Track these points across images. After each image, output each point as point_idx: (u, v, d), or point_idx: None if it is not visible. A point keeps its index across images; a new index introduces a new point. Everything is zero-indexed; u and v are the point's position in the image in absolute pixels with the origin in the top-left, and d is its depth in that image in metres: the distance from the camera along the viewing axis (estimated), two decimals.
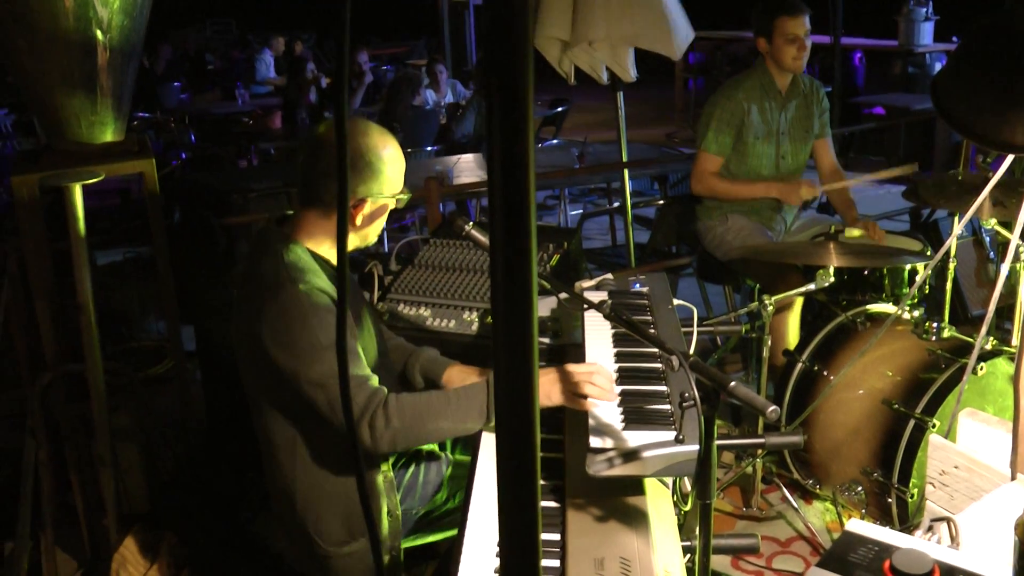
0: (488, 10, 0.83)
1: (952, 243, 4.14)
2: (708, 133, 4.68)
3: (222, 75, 15.05)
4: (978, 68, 1.53)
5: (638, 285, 3.22)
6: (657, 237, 5.68)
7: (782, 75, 4.67)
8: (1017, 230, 1.98)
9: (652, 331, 2.80)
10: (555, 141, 9.38)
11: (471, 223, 2.75)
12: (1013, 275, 3.70)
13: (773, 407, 1.80)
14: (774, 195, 4.69)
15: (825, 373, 3.88)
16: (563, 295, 2.74)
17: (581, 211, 8.64)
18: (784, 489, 4.10)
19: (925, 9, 10.23)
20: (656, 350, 2.31)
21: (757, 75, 4.71)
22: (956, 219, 4.11)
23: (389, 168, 2.53)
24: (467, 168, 7.15)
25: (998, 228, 4.10)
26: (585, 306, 2.68)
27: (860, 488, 3.68)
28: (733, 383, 1.84)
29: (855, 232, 4.45)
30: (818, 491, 3.96)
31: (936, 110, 1.58)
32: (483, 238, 2.72)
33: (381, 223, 2.65)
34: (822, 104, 4.86)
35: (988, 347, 3.55)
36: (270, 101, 12.15)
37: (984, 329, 2.29)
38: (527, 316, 0.87)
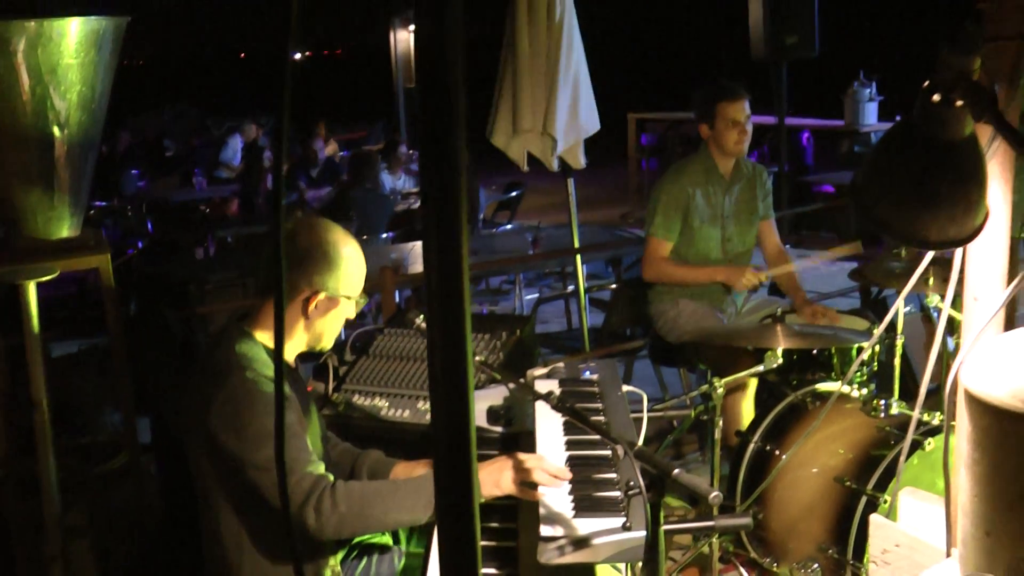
0: (422, 100, 0.88)
1: (899, 320, 4.23)
2: (656, 219, 4.78)
3: (181, 161, 15.12)
4: (893, 169, 1.62)
5: (588, 372, 3.26)
6: (611, 320, 5.75)
7: (725, 159, 4.79)
8: (947, 304, 2.06)
9: (602, 418, 2.86)
10: (509, 226, 9.47)
11: (423, 315, 2.79)
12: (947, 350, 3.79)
13: (715, 493, 1.85)
14: (720, 280, 4.79)
15: (777, 452, 3.93)
16: (512, 384, 2.78)
17: (537, 295, 8.72)
18: (741, 568, 4.12)
19: (869, 90, 10.51)
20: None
21: (701, 160, 4.83)
22: (901, 296, 4.20)
23: (347, 265, 2.57)
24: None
25: (940, 304, 4.21)
26: (531, 397, 2.72)
27: (816, 565, 3.71)
28: (677, 471, 1.89)
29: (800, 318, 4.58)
30: (775, 569, 3.98)
31: (855, 208, 1.66)
32: None
33: (336, 325, 2.67)
34: (765, 187, 4.98)
35: (936, 422, 3.61)
36: (228, 188, 12.21)
37: (919, 405, 2.35)
38: (463, 404, 0.92)
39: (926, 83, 1.50)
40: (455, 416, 0.94)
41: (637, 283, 5.24)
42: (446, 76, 0.87)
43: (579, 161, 5.37)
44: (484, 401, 3.14)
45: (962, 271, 1.95)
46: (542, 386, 3.06)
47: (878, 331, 2.62)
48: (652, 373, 5.62)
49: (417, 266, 6.76)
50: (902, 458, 2.84)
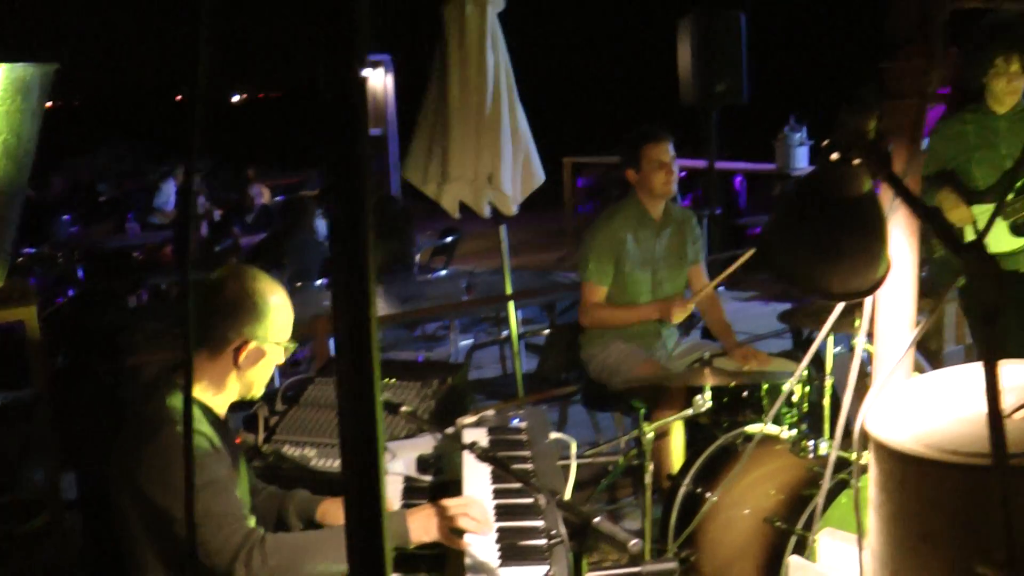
0: (329, 160, 0.90)
1: (827, 361, 4.30)
2: (588, 265, 4.84)
3: (114, 206, 14.95)
4: (798, 224, 1.68)
5: (517, 420, 3.29)
6: (546, 365, 5.78)
7: (655, 203, 4.86)
8: (859, 346, 2.11)
9: (529, 466, 2.89)
10: (444, 272, 9.49)
11: None
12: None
13: (635, 541, 1.88)
14: (655, 316, 4.85)
15: (708, 495, 3.97)
16: (437, 434, 2.80)
17: (472, 341, 8.73)
18: None
19: (799, 134, 10.70)
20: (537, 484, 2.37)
21: (631, 205, 4.91)
22: (830, 338, 4.28)
23: (275, 314, 2.58)
24: None
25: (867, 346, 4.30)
26: (456, 446, 2.74)
27: None
28: (597, 519, 1.91)
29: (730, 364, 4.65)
30: None
31: (763, 262, 1.71)
32: None
33: (266, 372, 2.67)
34: (694, 232, 5.06)
35: (864, 461, 3.68)
36: (163, 234, 12.10)
37: (835, 445, 2.40)
38: (372, 454, 0.93)
39: (825, 142, 1.56)
40: (364, 465, 0.96)
41: (571, 328, 5.29)
42: (350, 127, 0.90)
43: (511, 208, 5.42)
44: (414, 450, 3.15)
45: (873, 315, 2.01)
46: (471, 435, 3.08)
47: (797, 372, 2.68)
48: (588, 417, 5.65)
49: None
50: (820, 498, 2.89)
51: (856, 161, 1.53)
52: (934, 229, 1.29)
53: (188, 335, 1.05)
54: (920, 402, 1.79)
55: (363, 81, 0.90)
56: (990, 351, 1.26)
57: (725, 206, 10.70)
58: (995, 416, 1.27)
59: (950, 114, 5.10)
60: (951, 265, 4.96)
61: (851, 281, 1.66)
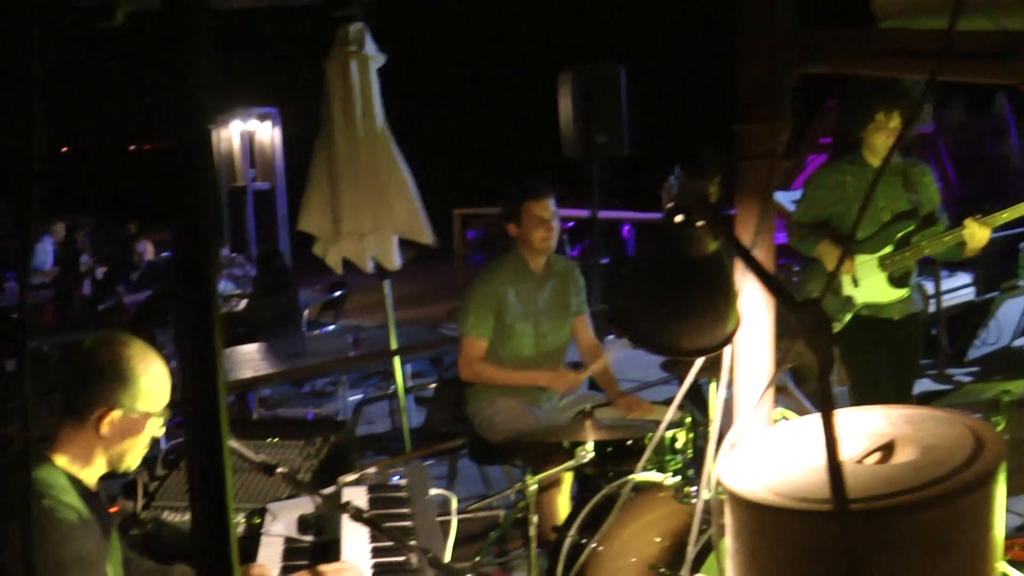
0: (173, 215, 0.91)
1: (711, 407, 4.38)
2: (468, 319, 4.87)
3: None
4: (648, 285, 1.74)
5: (397, 477, 3.29)
6: (434, 419, 5.79)
7: (535, 257, 4.91)
8: (720, 392, 2.18)
9: (409, 523, 2.90)
10: (332, 327, 9.43)
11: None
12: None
13: None
14: (542, 384, 4.89)
15: (594, 545, 4.00)
16: (313, 495, 2.79)
17: (362, 396, 8.68)
18: None
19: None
20: (412, 542, 2.38)
21: (512, 259, 4.95)
22: (713, 384, 4.36)
23: (145, 382, 2.51)
24: (246, 360, 7.05)
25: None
26: (330, 507, 2.73)
27: None
28: None
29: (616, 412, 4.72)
30: None
31: (617, 323, 1.77)
32: (237, 446, 2.75)
33: (139, 443, 2.59)
34: (578, 283, 5.12)
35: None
36: (43, 294, 11.77)
37: (702, 490, 2.45)
38: (222, 518, 0.94)
39: (669, 205, 1.63)
40: (214, 529, 0.96)
41: (457, 381, 5.29)
42: (193, 181, 0.91)
43: (393, 263, 5.43)
44: (296, 510, 3.13)
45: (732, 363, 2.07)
46: (351, 493, 3.07)
47: (666, 419, 2.73)
48: (478, 470, 5.66)
49: (241, 371, 6.64)
50: (691, 545, 2.94)
51: (699, 223, 1.60)
52: (769, 289, 1.36)
53: (23, 406, 1.05)
54: (775, 450, 1.86)
55: (207, 136, 0.92)
56: (825, 403, 1.32)
57: (613, 255, 10.86)
58: (834, 465, 1.33)
59: (830, 163, 5.26)
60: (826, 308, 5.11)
61: (700, 338, 1.72)
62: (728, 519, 1.72)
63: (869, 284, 4.95)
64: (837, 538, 1.37)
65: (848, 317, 5.00)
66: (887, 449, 1.85)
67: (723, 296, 1.70)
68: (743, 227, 1.98)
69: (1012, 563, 4.79)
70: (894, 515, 1.57)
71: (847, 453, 1.84)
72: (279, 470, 2.85)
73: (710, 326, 1.71)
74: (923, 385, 8.54)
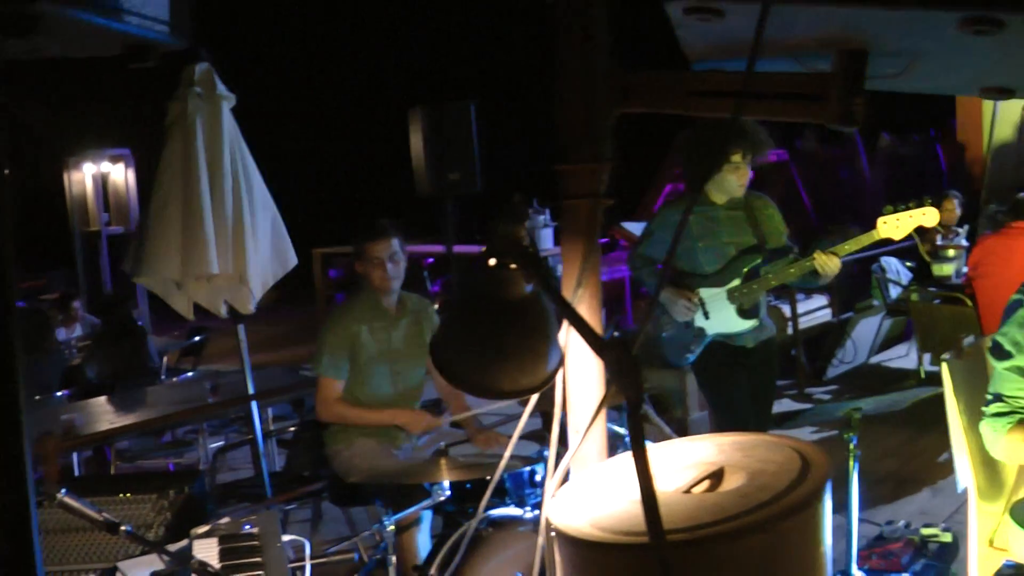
0: None
1: (573, 443, 4.43)
2: (323, 359, 4.83)
3: None
4: (466, 328, 1.76)
5: (249, 526, 3.24)
6: (295, 463, 5.70)
7: (386, 295, 4.90)
8: (555, 426, 2.20)
9: (259, 573, 2.85)
10: (191, 374, 9.20)
11: (63, 493, 2.70)
12: None
13: None
14: (399, 423, 4.87)
15: None
16: (161, 552, 2.73)
17: (223, 442, 8.49)
18: None
19: (544, 216, 11.02)
20: None
21: (364, 298, 4.94)
22: (525, 415, 4.42)
23: None
24: (100, 412, 6.81)
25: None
26: (170, 563, 2.68)
27: None
28: None
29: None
30: None
31: (435, 365, 1.78)
32: (78, 506, 2.68)
33: None
34: (432, 320, 5.12)
35: None
36: None
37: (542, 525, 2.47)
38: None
39: (483, 249, 1.65)
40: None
41: (317, 423, 5.24)
42: None
43: (248, 307, 5.35)
44: (149, 567, 3.05)
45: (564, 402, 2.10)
46: (202, 546, 3.02)
47: (505, 455, 2.74)
48: (342, 513, 5.59)
49: (95, 424, 6.40)
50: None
51: (513, 266, 1.63)
52: (578, 331, 1.39)
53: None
54: (604, 485, 1.89)
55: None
56: (636, 439, 1.35)
57: None
58: (649, 497, 1.36)
59: (674, 202, 5.40)
60: (678, 340, 5.22)
61: (520, 379, 1.74)
62: (556, 555, 1.74)
63: (719, 316, 5.09)
64: (657, 570, 1.40)
65: (701, 349, 5.14)
66: (717, 477, 1.90)
67: (542, 337, 1.73)
68: (569, 266, 2.02)
69: (871, 572, 4.97)
70: (717, 543, 1.61)
71: (677, 483, 1.88)
72: (122, 528, 2.79)
73: (530, 367, 1.74)
74: (784, 405, 8.81)
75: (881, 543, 5.27)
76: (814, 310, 10.19)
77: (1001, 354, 3.10)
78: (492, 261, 1.60)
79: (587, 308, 2.03)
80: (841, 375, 9.88)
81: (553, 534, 1.78)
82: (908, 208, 4.76)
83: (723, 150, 4.86)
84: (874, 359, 10.46)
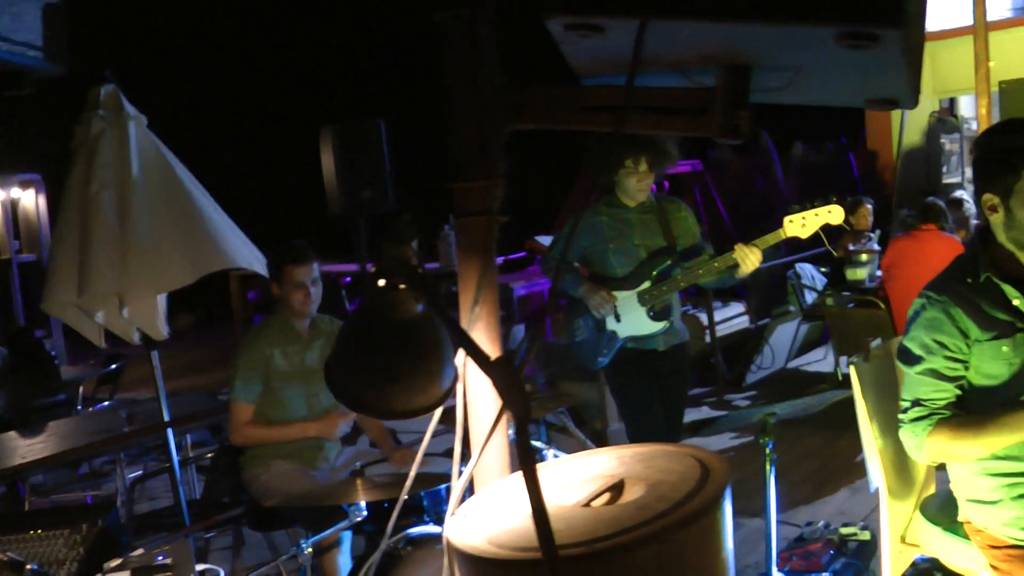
0: None
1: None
2: (236, 383, 4.78)
3: None
4: (358, 349, 1.75)
5: (162, 557, 3.19)
6: (213, 489, 5.62)
7: (299, 318, 4.87)
8: (457, 445, 2.20)
9: None
10: (107, 403, 9.03)
11: None
12: None
13: None
14: (312, 434, 4.83)
15: None
16: None
17: (141, 471, 8.34)
18: None
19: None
20: None
21: (277, 320, 4.90)
22: (428, 433, 4.41)
23: None
24: (12, 446, 6.62)
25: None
26: None
27: None
28: None
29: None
30: None
31: (329, 388, 1.77)
32: None
33: None
34: None
35: None
36: None
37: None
38: None
39: (373, 270, 1.65)
40: None
41: (233, 449, 5.17)
42: None
43: (160, 332, 5.27)
44: None
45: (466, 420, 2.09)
46: None
47: (411, 475, 2.73)
48: (264, 538, 5.52)
49: (7, 459, 6.24)
50: None
51: (401, 286, 1.62)
52: (462, 347, 1.39)
53: None
54: (505, 501, 1.89)
55: None
56: (524, 456, 1.35)
57: None
58: (539, 512, 1.36)
59: (589, 206, 5.44)
60: (590, 344, 5.25)
61: (414, 399, 1.74)
62: (456, 573, 1.74)
63: (630, 319, 5.12)
64: None
65: (613, 352, 5.16)
66: (617, 489, 1.91)
67: (435, 356, 1.73)
68: (465, 284, 2.02)
69: (791, 573, 5.04)
70: (613, 555, 1.61)
71: (576, 497, 1.89)
72: (28, 567, 2.73)
73: (424, 386, 1.73)
74: (703, 412, 8.91)
75: (801, 544, 5.35)
76: (731, 317, 10.34)
77: (911, 359, 3.15)
78: (381, 282, 1.60)
79: (484, 325, 2.03)
80: (760, 380, 10.03)
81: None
82: (814, 207, 4.84)
83: (619, 157, 4.96)
84: (792, 363, 10.64)
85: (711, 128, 1.85)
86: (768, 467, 4.28)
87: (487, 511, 1.86)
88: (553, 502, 1.87)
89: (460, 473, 2.00)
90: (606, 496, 1.87)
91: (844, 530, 5.54)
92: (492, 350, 2.03)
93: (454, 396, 1.93)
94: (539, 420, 5.89)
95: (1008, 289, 3.03)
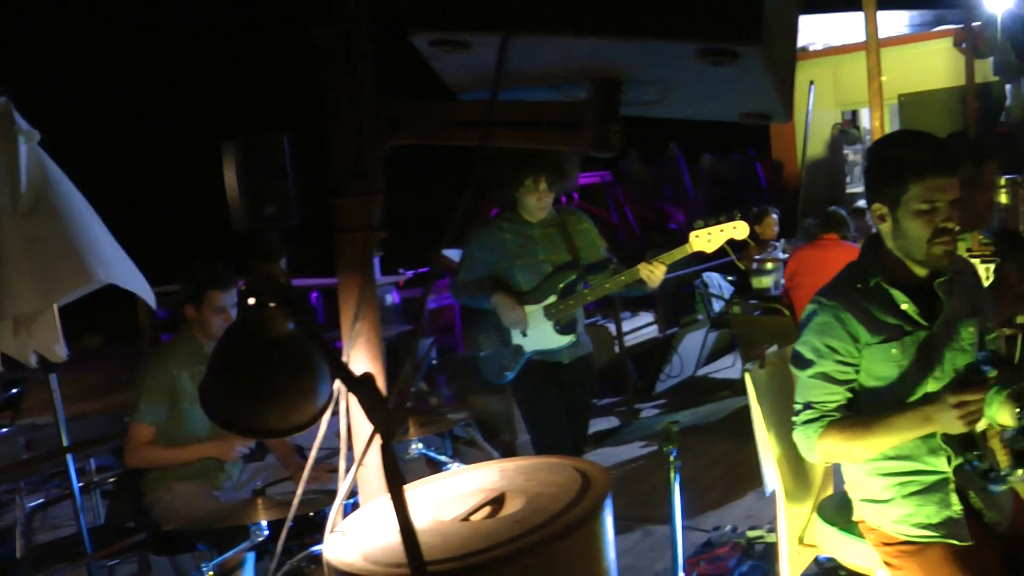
0: None
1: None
2: (140, 404, 4.71)
3: None
4: (230, 368, 1.74)
5: None
6: (115, 515, 5.50)
7: (209, 340, 4.82)
8: (342, 460, 2.19)
9: None
10: (6, 430, 8.76)
11: None
12: None
13: None
14: (210, 454, 4.77)
15: None
16: None
17: (43, 499, 8.12)
18: None
19: None
20: None
21: (185, 341, 4.84)
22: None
23: None
24: None
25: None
26: None
27: None
28: None
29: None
30: None
31: (203, 408, 1.76)
32: None
33: None
34: None
35: None
36: None
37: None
38: None
39: (243, 287, 1.64)
40: None
41: (136, 472, 5.07)
42: None
43: (57, 354, 5.14)
44: None
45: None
46: None
47: (299, 490, 2.71)
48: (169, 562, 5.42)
49: None
50: None
51: (272, 304, 1.62)
52: (328, 364, 1.38)
53: None
54: (387, 517, 1.89)
55: None
56: (389, 473, 1.35)
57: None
58: (406, 528, 1.36)
59: (488, 223, 5.45)
60: (496, 359, 5.26)
61: (288, 416, 1.74)
62: None
63: (537, 333, 5.14)
64: None
65: (519, 366, 5.18)
66: (498, 503, 1.91)
67: (306, 374, 1.72)
68: (345, 301, 2.01)
69: None
70: (487, 570, 1.62)
71: (456, 512, 1.89)
72: None
73: (298, 404, 1.73)
74: (612, 422, 8.97)
75: (709, 549, 5.42)
76: (641, 327, 10.43)
77: (802, 363, 3.22)
78: (251, 300, 1.59)
79: (365, 342, 2.02)
80: (669, 389, 10.12)
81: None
82: (719, 222, 4.91)
83: (518, 174, 4.99)
84: (701, 371, 10.76)
85: (582, 142, 1.87)
86: (672, 475, 4.32)
87: (367, 527, 1.86)
88: (432, 517, 1.87)
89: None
90: (486, 510, 1.87)
91: (751, 533, 5.63)
92: (373, 367, 2.03)
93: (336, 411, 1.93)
94: (444, 433, 5.89)
95: (896, 294, 3.13)
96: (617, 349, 9.68)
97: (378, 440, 1.32)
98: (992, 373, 2.92)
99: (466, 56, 1.82)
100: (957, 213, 3.06)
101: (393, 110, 2.03)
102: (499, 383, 5.34)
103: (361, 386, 1.35)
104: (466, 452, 6.35)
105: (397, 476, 1.34)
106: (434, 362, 8.41)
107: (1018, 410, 2.97)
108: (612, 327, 9.75)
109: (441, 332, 10.07)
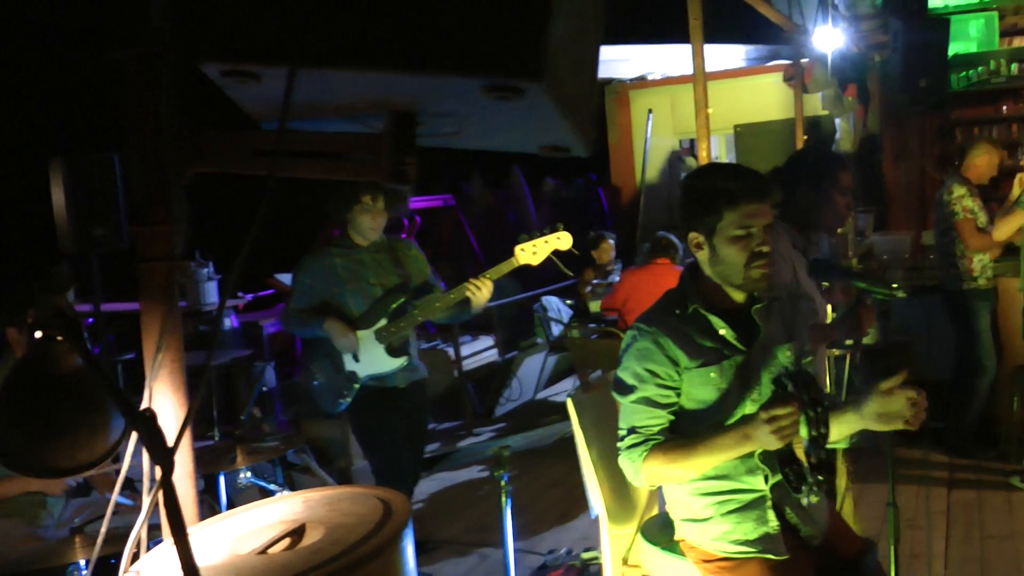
0: None
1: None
2: None
3: None
4: (17, 403, 1.69)
5: None
6: None
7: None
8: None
9: None
10: None
11: None
12: None
13: None
14: (35, 488, 4.59)
15: None
16: None
17: None
18: None
19: (207, 270, 10.75)
20: None
21: (6, 367, 4.65)
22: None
23: None
24: None
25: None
26: None
27: None
28: None
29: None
30: None
31: None
32: None
33: None
34: None
35: None
36: None
37: None
38: None
39: (30, 320, 1.60)
40: None
41: None
42: None
43: None
44: None
45: None
46: None
47: (105, 522, 2.64)
48: None
49: None
50: None
51: (60, 337, 1.58)
52: (111, 399, 1.36)
53: None
54: (206, 547, 1.86)
55: None
56: (170, 512, 1.33)
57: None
58: (188, 566, 1.35)
59: (316, 250, 5.41)
60: (330, 387, 5.22)
61: (78, 454, 1.69)
62: None
63: (369, 357, 5.13)
64: None
65: (354, 393, 5.16)
66: (298, 534, 1.90)
67: (95, 409, 1.69)
68: (148, 331, 1.98)
69: None
70: None
71: (254, 544, 1.87)
72: None
73: (87, 441, 1.69)
74: (451, 446, 8.97)
75: (544, 571, 5.48)
76: (480, 351, 10.48)
77: (624, 389, 3.28)
78: (38, 334, 1.55)
79: (168, 373, 1.99)
80: (509, 412, 10.17)
81: None
82: (542, 234, 4.98)
83: (356, 193, 5.00)
84: (541, 395, 10.85)
85: (378, 172, 1.88)
86: (504, 499, 4.36)
87: (164, 563, 1.83)
88: (229, 550, 1.85)
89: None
90: (285, 542, 1.86)
91: (586, 555, 5.72)
92: (176, 399, 2.00)
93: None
94: (275, 461, 5.80)
95: (714, 319, 3.22)
96: (456, 373, 9.70)
97: (158, 478, 1.30)
98: (789, 386, 3.03)
99: (259, 87, 1.82)
100: (769, 237, 3.18)
101: (194, 138, 2.00)
102: (335, 412, 5.30)
103: (141, 423, 1.33)
104: (300, 479, 6.28)
105: (178, 514, 1.32)
106: (265, 389, 8.29)
107: (812, 426, 3.07)
108: (451, 351, 9.78)
109: (280, 357, 9.91)
